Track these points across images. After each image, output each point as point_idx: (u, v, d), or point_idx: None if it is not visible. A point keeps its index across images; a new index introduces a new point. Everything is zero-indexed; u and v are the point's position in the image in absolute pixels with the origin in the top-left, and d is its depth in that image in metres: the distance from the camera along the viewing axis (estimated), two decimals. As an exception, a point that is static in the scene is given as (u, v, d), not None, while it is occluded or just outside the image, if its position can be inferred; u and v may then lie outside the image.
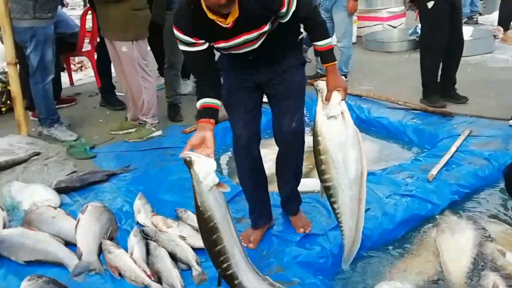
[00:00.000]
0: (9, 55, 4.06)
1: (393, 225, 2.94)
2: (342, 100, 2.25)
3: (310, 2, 2.37)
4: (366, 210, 2.92)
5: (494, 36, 6.82)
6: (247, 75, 2.51)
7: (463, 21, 8.13)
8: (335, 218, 2.41)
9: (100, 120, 4.86)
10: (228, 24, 2.17)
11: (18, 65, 4.19)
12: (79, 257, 2.56)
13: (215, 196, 2.06)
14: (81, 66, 6.84)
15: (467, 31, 6.62)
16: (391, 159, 3.97)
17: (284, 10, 2.23)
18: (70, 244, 2.72)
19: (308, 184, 3.43)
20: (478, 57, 6.33)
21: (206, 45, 2.25)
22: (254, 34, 2.26)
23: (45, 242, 2.66)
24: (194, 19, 2.17)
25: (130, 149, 4.11)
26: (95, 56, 5.37)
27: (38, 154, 3.91)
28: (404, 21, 8.13)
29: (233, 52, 2.35)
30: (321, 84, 2.31)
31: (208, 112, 2.22)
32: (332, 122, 2.21)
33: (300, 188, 2.88)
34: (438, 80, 4.80)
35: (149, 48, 5.38)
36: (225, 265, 2.11)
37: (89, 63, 6.12)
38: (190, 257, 2.53)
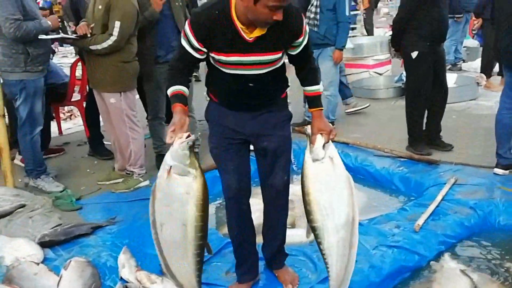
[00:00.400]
0: (-2, 107, 4.08)
1: (380, 278, 2.92)
2: (325, 143, 2.29)
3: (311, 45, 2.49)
4: None
5: (477, 83, 6.96)
6: (235, 130, 2.51)
7: (447, 67, 8.36)
8: (322, 258, 2.41)
9: (88, 170, 4.85)
10: (251, 38, 2.24)
11: (7, 117, 4.21)
12: (61, 315, 2.51)
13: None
14: (71, 115, 6.89)
15: (451, 78, 6.79)
16: (378, 208, 3.98)
17: (301, 39, 2.34)
18: (52, 302, 2.67)
19: (294, 235, 3.43)
20: (462, 104, 6.45)
21: (203, 56, 2.34)
22: (266, 58, 2.31)
23: (26, 301, 2.61)
24: (215, 24, 2.22)
25: (117, 200, 4.09)
26: (84, 106, 5.41)
27: (23, 206, 3.87)
28: (390, 68, 8.29)
29: (234, 72, 2.35)
30: (309, 129, 2.40)
31: (182, 99, 2.30)
32: (317, 165, 2.26)
33: (287, 239, 2.88)
34: (424, 128, 4.87)
35: (138, 96, 5.47)
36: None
37: (79, 112, 6.15)
38: (174, 314, 2.48)
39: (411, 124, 4.85)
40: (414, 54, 4.62)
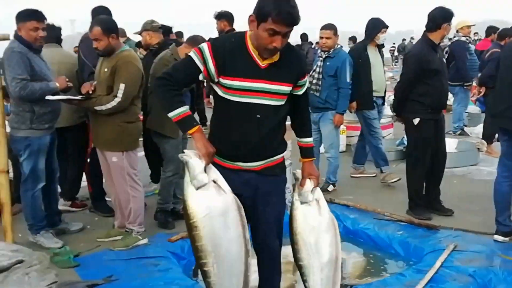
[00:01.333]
0: (2, 162, 4.15)
1: None
2: (314, 187, 2.48)
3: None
4: None
5: (478, 149, 7.02)
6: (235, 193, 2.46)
7: (457, 133, 8.45)
8: None
9: (88, 227, 4.85)
10: (264, 64, 2.37)
11: (11, 172, 4.27)
12: None
13: (201, 196, 2.16)
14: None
15: (452, 143, 6.86)
16: (376, 273, 3.95)
17: (304, 80, 2.53)
18: None
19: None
20: (463, 169, 6.48)
21: (203, 79, 2.44)
22: (275, 88, 2.41)
23: None
24: (232, 48, 2.37)
25: (115, 258, 4.07)
26: (88, 162, 5.47)
27: (21, 262, 3.86)
28: (392, 132, 8.39)
29: (241, 100, 2.40)
30: (298, 173, 2.55)
31: (194, 119, 2.40)
32: (305, 207, 2.43)
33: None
34: (424, 192, 4.89)
35: (143, 153, 5.55)
36: (201, 261, 2.18)
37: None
38: None
39: (411, 188, 4.89)
40: (416, 121, 4.71)
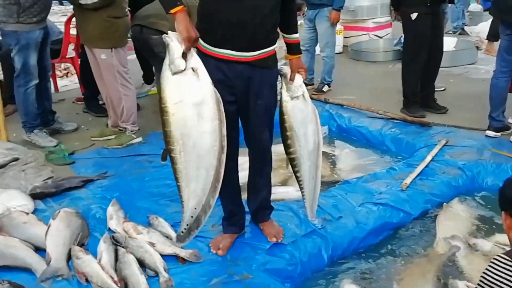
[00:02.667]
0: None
1: (364, 233, 2.96)
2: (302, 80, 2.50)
3: None
4: (338, 218, 3.01)
5: (477, 47, 6.88)
6: (225, 84, 2.39)
7: (457, 33, 8.24)
8: (298, 184, 2.62)
9: (82, 127, 4.86)
10: None
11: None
12: (48, 262, 2.56)
13: (176, 82, 2.07)
14: (67, 73, 6.86)
15: (450, 42, 6.72)
16: (368, 168, 4.00)
17: None
18: (41, 250, 2.71)
19: (283, 192, 3.48)
20: (461, 68, 6.40)
21: None
22: None
23: (14, 248, 2.66)
24: None
25: (109, 156, 4.11)
26: (79, 63, 5.39)
27: (16, 159, 3.90)
28: (390, 31, 8.20)
29: None
30: (285, 69, 2.50)
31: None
32: (295, 102, 2.45)
33: (273, 196, 2.92)
34: (419, 89, 4.85)
35: (135, 56, 5.44)
36: (168, 146, 2.13)
37: (74, 69, 6.13)
38: (158, 263, 2.53)
39: (406, 86, 4.84)
40: (414, 16, 4.57)
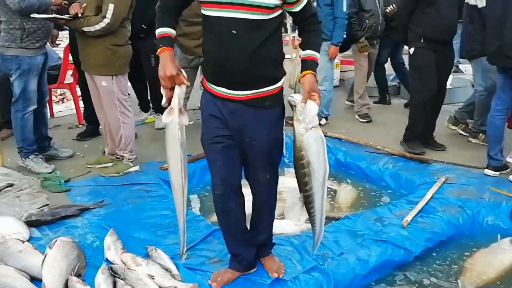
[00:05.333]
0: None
1: (366, 270, 2.92)
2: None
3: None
4: (340, 254, 2.97)
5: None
6: (222, 120, 2.38)
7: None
8: (309, 219, 2.48)
9: (78, 153, 4.81)
10: None
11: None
12: (44, 293, 2.49)
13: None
14: (63, 98, 6.84)
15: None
16: (368, 204, 3.98)
17: None
18: (36, 280, 2.63)
19: (283, 226, 3.43)
20: (457, 106, 6.43)
21: None
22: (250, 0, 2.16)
23: (9, 277, 2.57)
24: None
25: (106, 184, 4.05)
26: (79, 89, 5.36)
27: (11, 185, 3.84)
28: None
29: (219, 14, 2.20)
30: (297, 97, 2.26)
31: (170, 41, 2.25)
32: (310, 133, 2.24)
33: (275, 230, 2.87)
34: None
35: (129, 84, 5.42)
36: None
37: (71, 95, 6.11)
38: (158, 297, 2.47)
39: (412, 119, 4.82)
40: (411, 51, 4.65)
